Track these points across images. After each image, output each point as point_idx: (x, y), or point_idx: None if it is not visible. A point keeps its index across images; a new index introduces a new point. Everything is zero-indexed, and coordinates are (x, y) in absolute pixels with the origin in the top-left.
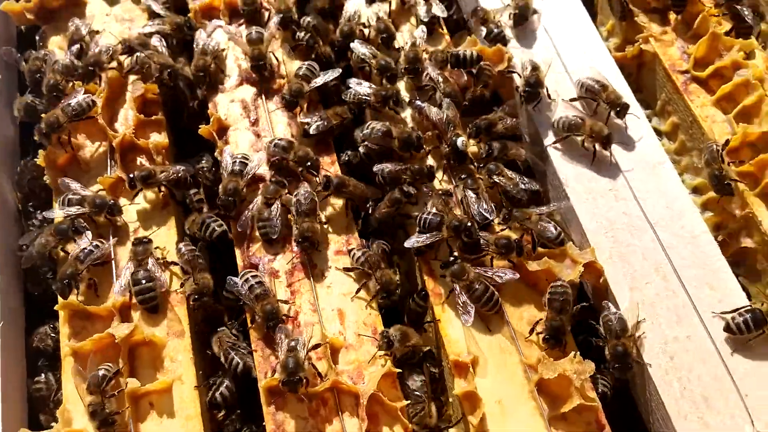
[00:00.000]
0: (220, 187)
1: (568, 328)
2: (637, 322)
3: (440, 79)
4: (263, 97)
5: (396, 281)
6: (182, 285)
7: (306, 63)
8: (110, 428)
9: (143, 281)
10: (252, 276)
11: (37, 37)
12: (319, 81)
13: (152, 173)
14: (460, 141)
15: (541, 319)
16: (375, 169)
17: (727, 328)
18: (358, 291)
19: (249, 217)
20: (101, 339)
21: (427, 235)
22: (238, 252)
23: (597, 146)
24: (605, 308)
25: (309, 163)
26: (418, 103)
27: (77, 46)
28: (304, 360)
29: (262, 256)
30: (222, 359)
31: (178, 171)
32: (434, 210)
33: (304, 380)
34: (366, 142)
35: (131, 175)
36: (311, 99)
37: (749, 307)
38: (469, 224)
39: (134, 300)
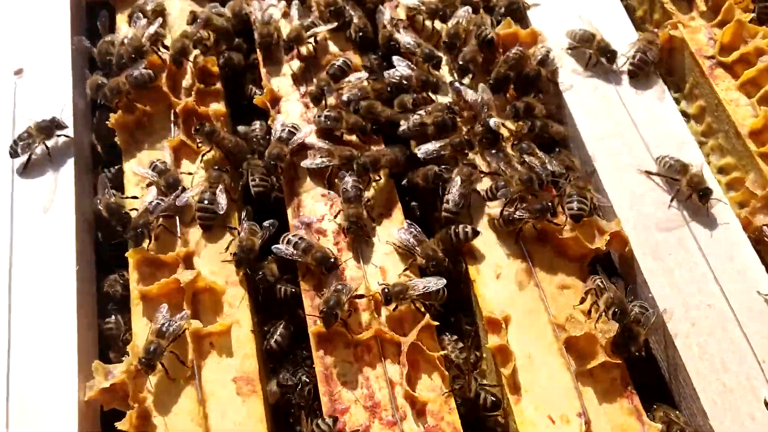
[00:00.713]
0: (266, 151)
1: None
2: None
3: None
4: (311, 70)
5: (435, 249)
6: (226, 248)
7: (340, 60)
8: (149, 371)
9: (206, 201)
10: (292, 236)
11: (98, 23)
12: (351, 78)
13: (217, 131)
14: (492, 121)
15: (591, 289)
16: (419, 153)
17: None
18: (405, 269)
19: (317, 148)
20: (167, 284)
21: (503, 198)
22: (289, 211)
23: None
24: (638, 300)
25: (360, 129)
26: (457, 85)
27: (143, 20)
28: (345, 303)
29: (311, 215)
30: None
31: (239, 142)
32: (501, 180)
33: (339, 319)
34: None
35: (200, 124)
36: None
37: None
38: (538, 172)
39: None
